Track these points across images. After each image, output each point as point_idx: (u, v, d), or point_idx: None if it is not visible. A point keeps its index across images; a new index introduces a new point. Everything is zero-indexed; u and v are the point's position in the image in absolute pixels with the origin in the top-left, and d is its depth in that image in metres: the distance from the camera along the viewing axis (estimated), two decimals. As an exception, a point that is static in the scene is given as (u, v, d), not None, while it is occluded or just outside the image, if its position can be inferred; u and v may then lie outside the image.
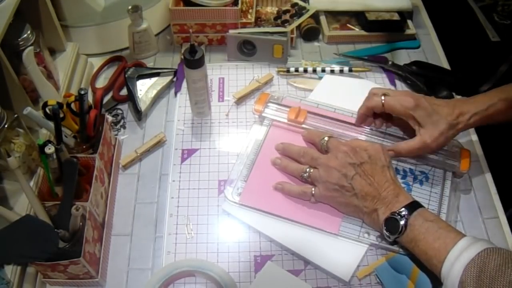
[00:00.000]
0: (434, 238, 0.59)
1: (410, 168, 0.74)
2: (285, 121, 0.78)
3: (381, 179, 0.65)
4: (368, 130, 0.76)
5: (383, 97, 0.70)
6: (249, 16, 0.95)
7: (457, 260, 0.55)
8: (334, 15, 1.02)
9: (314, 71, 0.91)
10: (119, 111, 0.86)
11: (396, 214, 0.62)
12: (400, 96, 0.70)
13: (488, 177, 0.76)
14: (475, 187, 0.75)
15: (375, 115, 0.76)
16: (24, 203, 0.68)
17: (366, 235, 0.67)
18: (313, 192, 0.68)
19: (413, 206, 0.63)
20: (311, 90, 0.87)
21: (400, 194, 0.64)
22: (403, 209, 0.62)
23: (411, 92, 0.72)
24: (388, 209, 0.63)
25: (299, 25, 0.97)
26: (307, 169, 0.69)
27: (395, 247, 0.66)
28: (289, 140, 0.76)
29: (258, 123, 0.80)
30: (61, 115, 0.67)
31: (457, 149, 0.74)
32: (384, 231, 0.63)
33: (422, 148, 0.69)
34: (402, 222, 0.61)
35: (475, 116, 0.69)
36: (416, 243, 0.61)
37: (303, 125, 0.77)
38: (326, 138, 0.71)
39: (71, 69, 0.87)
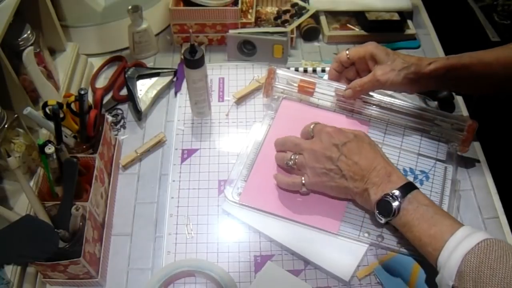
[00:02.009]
0: (429, 225, 0.58)
1: (410, 168, 0.74)
2: (296, 91, 0.79)
3: (369, 156, 0.64)
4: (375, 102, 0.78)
5: (347, 51, 0.76)
6: (249, 16, 0.95)
7: (456, 249, 0.54)
8: (334, 15, 1.02)
9: (314, 71, 0.91)
10: (119, 111, 0.86)
11: (389, 196, 0.60)
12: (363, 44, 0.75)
13: (488, 177, 0.76)
14: (475, 187, 0.75)
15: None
16: (24, 203, 0.68)
17: (366, 234, 0.67)
18: (303, 181, 0.67)
19: (407, 187, 0.60)
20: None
21: (392, 173, 0.62)
22: (396, 190, 0.60)
23: None
24: (380, 190, 0.61)
25: (299, 25, 0.97)
26: (292, 156, 0.69)
27: (395, 247, 0.66)
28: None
29: (259, 121, 0.80)
30: (61, 115, 0.67)
31: (465, 123, 0.74)
32: (376, 214, 0.62)
33: (372, 81, 0.71)
34: (395, 205, 0.59)
35: (435, 63, 0.69)
36: (409, 228, 0.59)
37: (313, 97, 0.79)
38: (312, 126, 0.70)
39: (71, 69, 0.87)
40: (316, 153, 0.66)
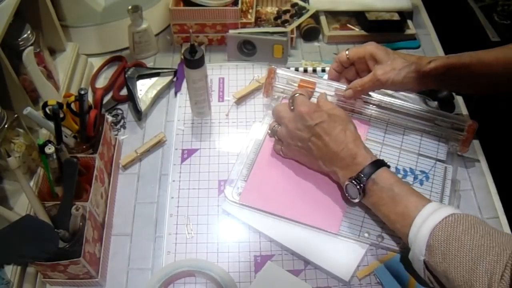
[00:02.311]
0: (395, 204, 0.60)
1: (410, 168, 0.74)
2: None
3: (338, 138, 0.64)
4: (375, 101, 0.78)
5: (347, 51, 0.76)
6: (249, 16, 0.95)
7: (423, 224, 0.56)
8: (334, 15, 1.02)
9: (314, 71, 0.91)
10: (119, 111, 0.86)
11: (354, 180, 0.62)
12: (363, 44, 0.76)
13: (488, 177, 0.76)
14: (475, 187, 0.75)
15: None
16: (24, 203, 0.68)
17: (366, 234, 0.67)
18: (281, 149, 0.72)
19: (372, 167, 0.62)
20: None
21: (357, 155, 0.63)
22: (360, 174, 0.62)
23: None
24: (348, 173, 0.63)
25: (299, 25, 0.97)
26: (274, 126, 0.73)
27: (395, 247, 0.66)
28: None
29: (259, 121, 0.80)
30: (61, 115, 0.67)
31: (465, 123, 0.74)
32: (346, 195, 0.65)
33: (373, 81, 0.72)
34: (358, 187, 0.61)
35: (435, 61, 0.70)
36: (377, 207, 0.62)
37: (313, 97, 0.78)
38: (294, 95, 0.71)
39: (71, 69, 0.87)
40: (290, 131, 0.69)
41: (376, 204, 0.62)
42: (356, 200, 0.64)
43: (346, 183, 0.63)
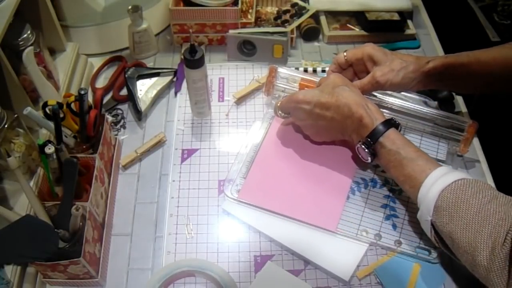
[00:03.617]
0: (402, 166, 0.61)
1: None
2: (297, 90, 0.79)
3: (338, 105, 0.65)
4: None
5: (345, 53, 0.76)
6: (249, 16, 0.95)
7: (433, 185, 0.57)
8: (334, 15, 1.02)
9: (314, 71, 0.91)
10: (119, 111, 0.86)
11: (363, 144, 0.63)
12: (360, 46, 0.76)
13: (488, 177, 0.76)
14: (475, 187, 0.75)
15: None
16: (24, 203, 0.68)
17: (364, 233, 0.67)
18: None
19: (378, 130, 0.62)
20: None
21: (363, 117, 0.64)
22: (368, 137, 0.63)
23: None
24: (359, 136, 0.65)
25: (299, 25, 0.97)
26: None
27: (393, 246, 0.66)
28: (289, 139, 0.77)
29: (259, 120, 0.80)
30: (61, 115, 0.67)
31: (465, 124, 0.74)
32: (360, 157, 0.66)
33: (372, 83, 0.72)
34: (366, 150, 0.63)
35: (434, 61, 0.70)
36: (387, 169, 0.64)
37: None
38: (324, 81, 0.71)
39: (71, 69, 0.87)
40: (296, 115, 0.72)
41: (385, 166, 0.64)
42: (369, 161, 0.65)
43: (357, 146, 0.65)
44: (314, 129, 0.71)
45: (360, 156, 0.66)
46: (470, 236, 0.52)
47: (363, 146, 0.63)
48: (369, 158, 0.64)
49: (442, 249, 0.60)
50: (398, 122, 0.64)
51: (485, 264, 0.51)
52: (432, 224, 0.58)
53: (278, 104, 0.75)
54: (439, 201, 0.56)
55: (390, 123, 0.63)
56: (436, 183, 0.57)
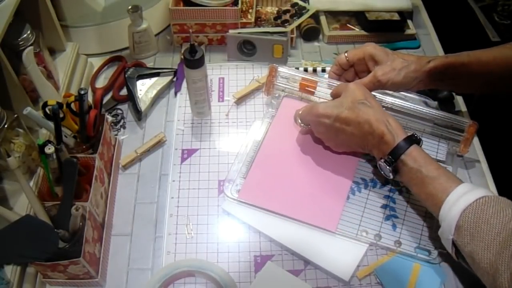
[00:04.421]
0: (424, 185, 0.60)
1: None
2: (297, 90, 0.80)
3: (359, 121, 0.64)
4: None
5: (346, 54, 0.76)
6: (249, 16, 0.95)
7: (454, 204, 0.56)
8: (334, 15, 1.02)
9: (314, 71, 0.91)
10: (119, 111, 0.86)
11: (383, 161, 0.63)
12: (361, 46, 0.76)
13: (488, 177, 0.76)
14: (475, 187, 0.75)
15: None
16: (24, 203, 0.68)
17: (364, 233, 0.67)
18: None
19: (400, 148, 0.61)
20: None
21: (384, 134, 0.63)
22: (389, 155, 0.62)
23: None
24: (380, 153, 0.64)
25: (299, 25, 0.97)
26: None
27: (393, 247, 0.66)
28: (289, 139, 0.77)
29: (259, 119, 0.80)
30: (61, 115, 0.67)
31: (466, 124, 0.74)
32: (383, 174, 0.65)
33: (373, 82, 0.72)
34: (388, 168, 0.63)
35: (434, 61, 0.71)
36: (409, 186, 0.64)
37: (314, 96, 0.79)
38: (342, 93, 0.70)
39: (71, 69, 0.87)
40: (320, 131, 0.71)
41: (407, 183, 0.64)
42: (391, 177, 0.64)
43: (379, 163, 0.64)
44: (334, 141, 0.71)
45: (382, 172, 0.65)
46: (491, 257, 0.52)
47: (385, 164, 0.63)
48: (391, 175, 0.63)
49: (463, 265, 0.58)
50: (420, 138, 0.63)
51: (507, 287, 0.50)
52: (453, 242, 0.57)
53: (300, 112, 0.74)
54: (461, 221, 0.55)
55: (411, 140, 0.62)
56: (457, 202, 0.56)
